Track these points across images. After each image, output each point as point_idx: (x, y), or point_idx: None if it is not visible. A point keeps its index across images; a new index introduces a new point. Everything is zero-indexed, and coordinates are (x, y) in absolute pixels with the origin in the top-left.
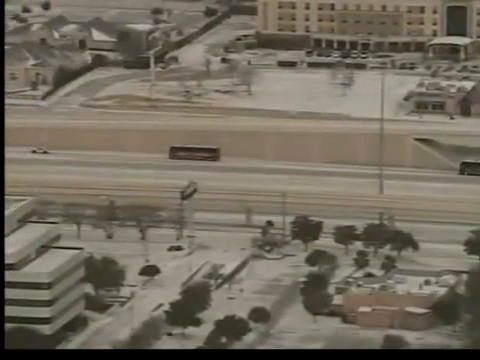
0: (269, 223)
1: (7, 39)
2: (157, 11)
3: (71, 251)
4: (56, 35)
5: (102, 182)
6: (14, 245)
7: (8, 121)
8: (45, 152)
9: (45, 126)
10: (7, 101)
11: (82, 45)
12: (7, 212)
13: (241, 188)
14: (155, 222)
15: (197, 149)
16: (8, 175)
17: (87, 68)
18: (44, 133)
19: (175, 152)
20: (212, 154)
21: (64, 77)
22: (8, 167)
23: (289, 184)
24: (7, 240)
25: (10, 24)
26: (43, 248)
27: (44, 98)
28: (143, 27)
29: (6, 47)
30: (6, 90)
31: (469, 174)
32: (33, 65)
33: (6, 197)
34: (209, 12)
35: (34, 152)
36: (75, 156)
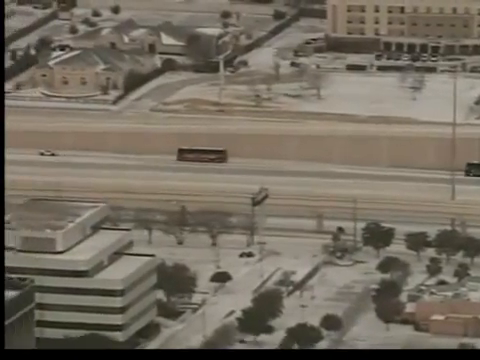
0: (340, 229)
1: (78, 43)
2: (226, 14)
3: (143, 258)
4: (126, 39)
5: (173, 187)
6: (87, 252)
7: (81, 125)
8: (53, 154)
9: (116, 130)
10: (78, 106)
11: (152, 49)
12: (80, 219)
13: (311, 193)
14: (226, 228)
15: (204, 151)
16: (88, 180)
17: (157, 72)
18: (115, 137)
19: (183, 154)
20: (219, 156)
21: (134, 81)
22: (85, 172)
23: (359, 189)
24: (80, 247)
25: (80, 28)
26: (116, 255)
27: (115, 103)
28: (213, 31)
29: (77, 52)
30: (78, 95)
31: None
32: (103, 70)
33: (80, 203)
34: (278, 15)
35: (42, 154)
36: (146, 161)
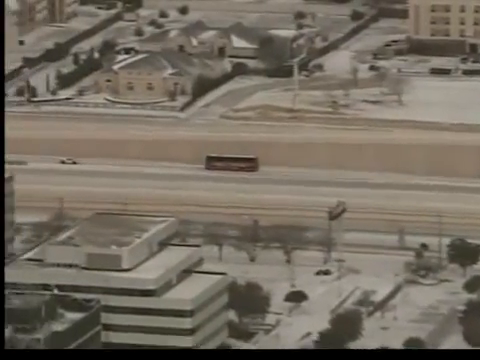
0: (423, 245)
1: (144, 46)
2: (300, 15)
3: (214, 276)
4: (194, 42)
5: (245, 199)
6: (155, 269)
7: (147, 134)
8: (74, 162)
9: (184, 139)
10: (144, 112)
11: (221, 52)
12: (147, 234)
13: (392, 206)
14: (301, 243)
15: (234, 159)
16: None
17: (227, 77)
18: (183, 146)
19: (211, 162)
20: (250, 164)
21: (203, 87)
22: (152, 183)
23: (443, 202)
24: (147, 264)
25: (146, 30)
26: (185, 273)
27: (182, 109)
28: (286, 33)
29: (143, 55)
30: (144, 101)
31: None
32: (171, 74)
33: (148, 218)
34: (356, 15)
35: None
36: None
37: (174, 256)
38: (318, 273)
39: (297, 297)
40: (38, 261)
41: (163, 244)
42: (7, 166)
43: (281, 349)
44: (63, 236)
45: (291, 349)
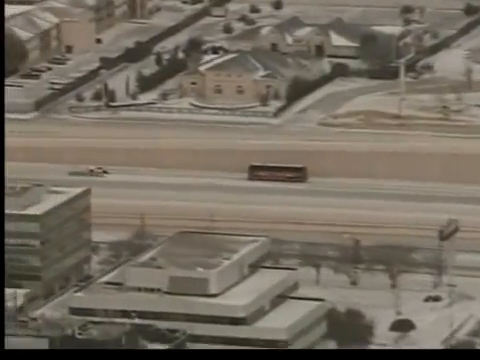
0: None
1: (234, 45)
2: (407, 10)
3: (311, 302)
4: (289, 40)
5: (345, 216)
6: (245, 295)
7: (237, 142)
8: (105, 172)
9: (278, 148)
10: (233, 119)
11: (319, 51)
12: (237, 255)
13: None
14: (408, 266)
15: (280, 168)
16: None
17: (325, 79)
18: (277, 156)
19: (254, 172)
20: (297, 174)
21: (299, 90)
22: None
23: None
24: (236, 289)
25: (236, 27)
26: (279, 298)
27: (276, 115)
28: (391, 30)
29: (232, 55)
30: (233, 106)
31: None
32: (263, 76)
33: (237, 237)
34: (470, 10)
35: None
36: (314, 184)
37: (267, 280)
38: (427, 299)
39: (404, 326)
40: (117, 285)
41: (255, 266)
42: (83, 178)
43: (282, 349)
44: (144, 257)
45: (292, 349)
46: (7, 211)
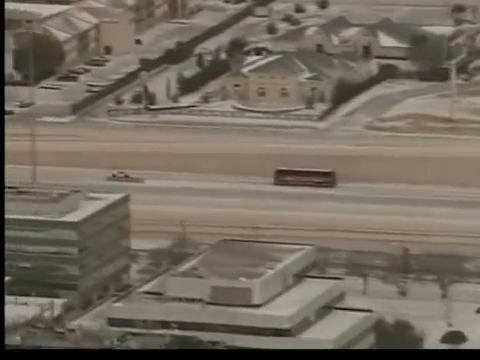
0: None
1: (278, 46)
2: (459, 9)
3: (358, 313)
4: (335, 40)
5: (393, 223)
6: (290, 305)
7: (282, 147)
8: (126, 176)
9: (323, 153)
10: (277, 122)
11: (367, 52)
12: (281, 264)
13: None
14: (460, 276)
15: (307, 173)
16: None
17: (373, 81)
18: (323, 161)
19: (281, 177)
20: (326, 179)
21: (345, 92)
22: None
23: None
24: (281, 299)
25: (280, 27)
26: (324, 309)
27: (321, 118)
28: (442, 30)
29: (276, 56)
30: (277, 109)
31: None
32: (308, 78)
33: (281, 246)
34: None
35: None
36: (360, 190)
37: (312, 290)
38: (479, 310)
39: (455, 338)
40: (157, 295)
41: (299, 276)
42: (123, 183)
43: (282, 349)
44: (185, 266)
45: (291, 349)
46: (44, 218)
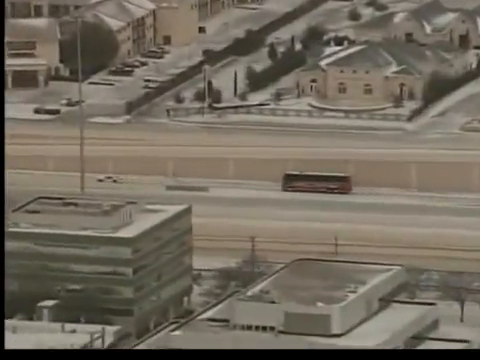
0: None
1: (361, 35)
2: None
3: (455, 344)
4: (428, 29)
5: None
6: (375, 335)
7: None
8: (115, 181)
9: (413, 158)
10: (360, 123)
11: (464, 42)
12: (365, 287)
13: None
14: None
15: (319, 177)
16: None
17: (471, 75)
18: (415, 168)
19: (289, 181)
20: (340, 185)
21: (438, 89)
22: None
23: None
24: (364, 328)
25: (364, 13)
26: (416, 340)
27: (410, 119)
28: None
29: (359, 47)
30: (360, 107)
31: None
32: (396, 72)
33: (365, 266)
34: None
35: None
36: (456, 201)
37: (401, 317)
38: None
39: None
40: (223, 322)
41: (386, 301)
42: (185, 193)
43: (281, 349)
44: (255, 289)
45: (292, 349)
46: (95, 233)
